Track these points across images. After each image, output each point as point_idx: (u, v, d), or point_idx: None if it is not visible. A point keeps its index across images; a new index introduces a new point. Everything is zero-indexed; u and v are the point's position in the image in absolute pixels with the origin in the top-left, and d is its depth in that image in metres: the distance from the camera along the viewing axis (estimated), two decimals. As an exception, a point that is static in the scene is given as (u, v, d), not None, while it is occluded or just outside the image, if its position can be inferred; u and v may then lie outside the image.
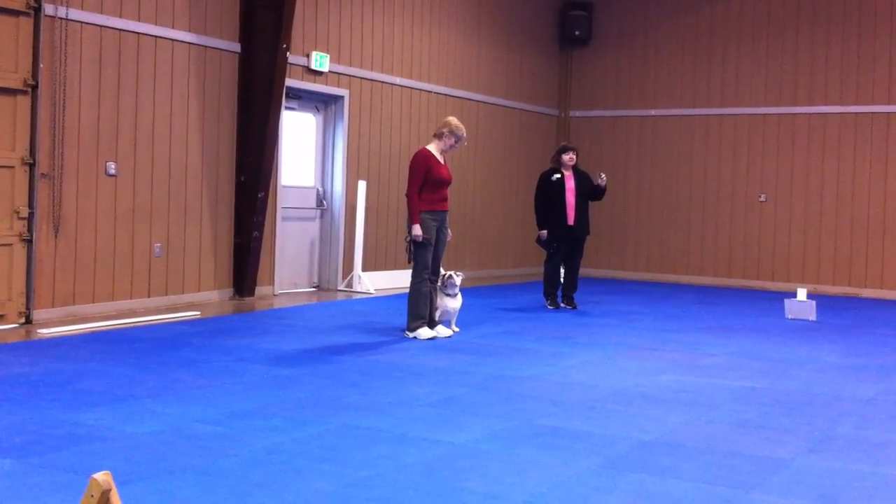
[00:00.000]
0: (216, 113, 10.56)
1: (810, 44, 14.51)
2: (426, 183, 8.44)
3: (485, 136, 14.74)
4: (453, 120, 8.72)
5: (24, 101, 8.62)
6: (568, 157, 11.03)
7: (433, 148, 8.61)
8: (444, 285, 8.74)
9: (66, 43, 8.87)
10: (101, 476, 2.73)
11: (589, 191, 11.16)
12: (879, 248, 14.02)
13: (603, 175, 11.10)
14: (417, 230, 8.38)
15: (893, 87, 13.95)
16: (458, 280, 8.79)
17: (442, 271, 8.84)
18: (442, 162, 8.61)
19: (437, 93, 13.75)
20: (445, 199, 8.68)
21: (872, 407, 6.24)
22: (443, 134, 8.60)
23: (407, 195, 8.53)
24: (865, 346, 9.00)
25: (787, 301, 10.98)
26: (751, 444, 5.16)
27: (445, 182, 8.60)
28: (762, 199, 14.84)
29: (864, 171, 14.13)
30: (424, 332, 8.47)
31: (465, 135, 8.71)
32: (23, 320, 8.65)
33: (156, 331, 8.49)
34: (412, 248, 8.48)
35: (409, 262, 8.59)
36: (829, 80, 14.36)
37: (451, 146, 8.65)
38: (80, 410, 5.43)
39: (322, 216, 12.42)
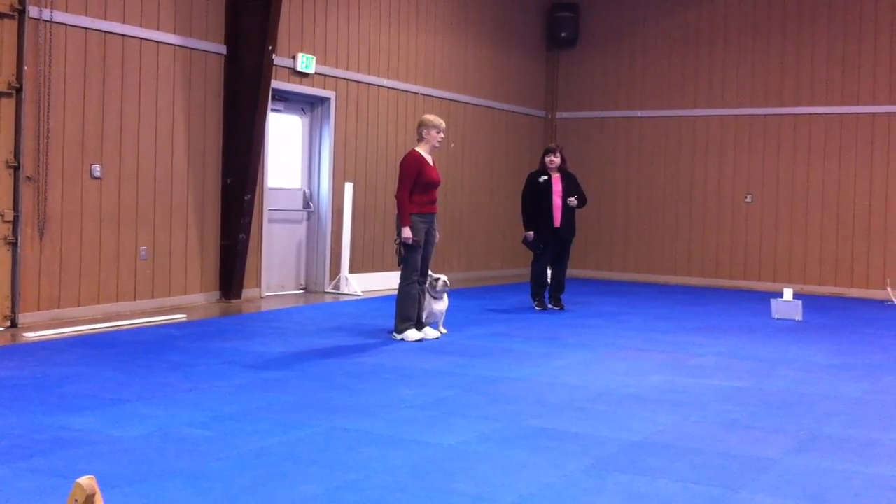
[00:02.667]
0: (202, 115, 10.53)
1: (796, 45, 14.57)
2: (416, 185, 8.43)
3: (472, 138, 14.74)
4: (428, 116, 8.78)
5: (8, 104, 8.57)
6: (549, 160, 11.02)
7: (422, 150, 8.60)
8: (432, 286, 8.75)
9: (50, 45, 8.82)
10: (86, 480, 2.72)
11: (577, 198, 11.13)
12: (865, 248, 14.08)
13: (571, 200, 11.01)
14: (408, 232, 8.37)
15: (878, 88, 14.01)
16: (445, 284, 8.80)
17: (431, 273, 8.84)
18: (431, 164, 8.60)
19: (424, 94, 13.75)
20: (435, 202, 8.67)
21: (859, 406, 6.26)
22: (423, 133, 8.60)
23: (397, 197, 8.52)
24: (852, 345, 9.03)
25: (773, 301, 11.01)
26: (739, 444, 5.17)
27: (435, 184, 8.60)
28: (748, 199, 14.89)
29: (850, 171, 14.19)
30: (412, 334, 8.46)
31: (443, 124, 8.70)
32: (8, 324, 8.60)
33: (142, 334, 8.46)
34: (402, 251, 8.47)
35: (400, 265, 8.58)
36: (815, 81, 14.42)
37: (437, 140, 8.64)
38: (67, 414, 5.40)
39: (309, 218, 12.40)
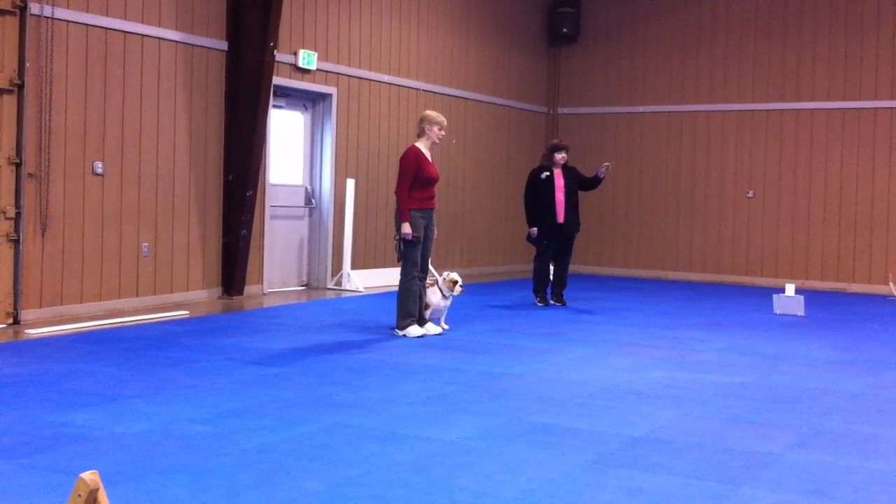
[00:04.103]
0: (203, 111, 10.53)
1: (797, 40, 14.55)
2: (416, 181, 8.43)
3: (473, 134, 14.74)
4: (429, 112, 8.74)
5: (10, 101, 8.58)
6: (560, 157, 11.01)
7: (422, 146, 8.60)
8: (448, 287, 8.73)
9: (52, 42, 8.83)
10: (89, 475, 2.72)
11: (581, 183, 11.13)
12: (867, 243, 14.07)
13: (606, 165, 10.99)
14: (407, 228, 8.37)
15: (880, 83, 14.00)
16: (462, 290, 8.84)
17: (454, 275, 8.82)
18: (430, 160, 8.60)
19: (426, 90, 13.74)
20: (433, 197, 8.67)
21: (861, 401, 6.27)
22: (424, 129, 8.59)
23: (397, 193, 8.51)
24: (853, 340, 9.03)
25: (775, 296, 11.02)
26: (740, 439, 5.17)
27: (434, 180, 8.60)
28: (750, 195, 14.88)
29: (851, 166, 14.18)
30: (414, 330, 8.47)
31: (444, 121, 8.69)
32: (10, 321, 8.61)
33: (144, 330, 8.46)
34: (402, 247, 8.47)
35: (399, 261, 8.58)
36: (816, 76, 14.41)
37: (438, 136, 8.63)
38: (69, 411, 5.41)
39: (311, 214, 12.40)
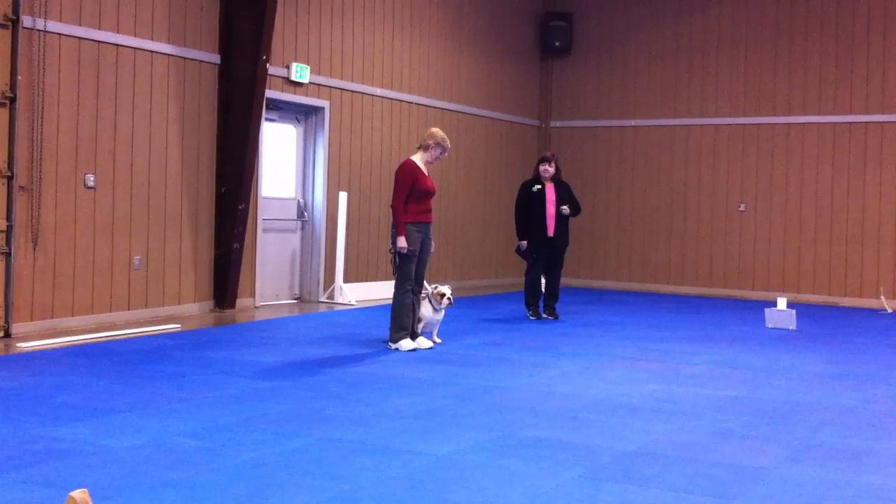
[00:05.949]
0: (196, 124, 10.53)
1: (788, 54, 14.62)
2: (412, 194, 8.43)
3: (466, 147, 14.76)
4: (438, 132, 8.73)
5: (2, 114, 8.56)
6: (543, 169, 11.02)
7: (418, 159, 8.61)
8: (436, 300, 8.71)
9: (44, 55, 8.82)
10: (79, 494, 2.71)
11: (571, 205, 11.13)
12: (858, 257, 14.11)
13: (564, 208, 11.04)
14: (403, 242, 8.36)
15: (871, 97, 14.07)
16: (450, 302, 8.79)
17: (437, 286, 8.81)
18: (426, 173, 8.61)
19: (418, 104, 13.76)
20: (430, 211, 8.67)
21: (853, 415, 6.27)
22: (429, 146, 8.60)
23: (393, 206, 8.51)
24: (845, 354, 9.05)
25: (767, 310, 11.03)
26: (732, 454, 5.17)
27: (430, 193, 8.60)
28: (742, 208, 14.93)
29: (843, 180, 14.24)
30: (406, 344, 8.46)
31: (449, 146, 8.72)
32: (1, 334, 8.58)
33: (136, 344, 8.44)
34: (397, 260, 8.45)
35: (395, 274, 8.57)
36: (808, 90, 14.48)
37: (436, 157, 8.66)
38: (60, 425, 5.39)
39: (303, 227, 12.39)
